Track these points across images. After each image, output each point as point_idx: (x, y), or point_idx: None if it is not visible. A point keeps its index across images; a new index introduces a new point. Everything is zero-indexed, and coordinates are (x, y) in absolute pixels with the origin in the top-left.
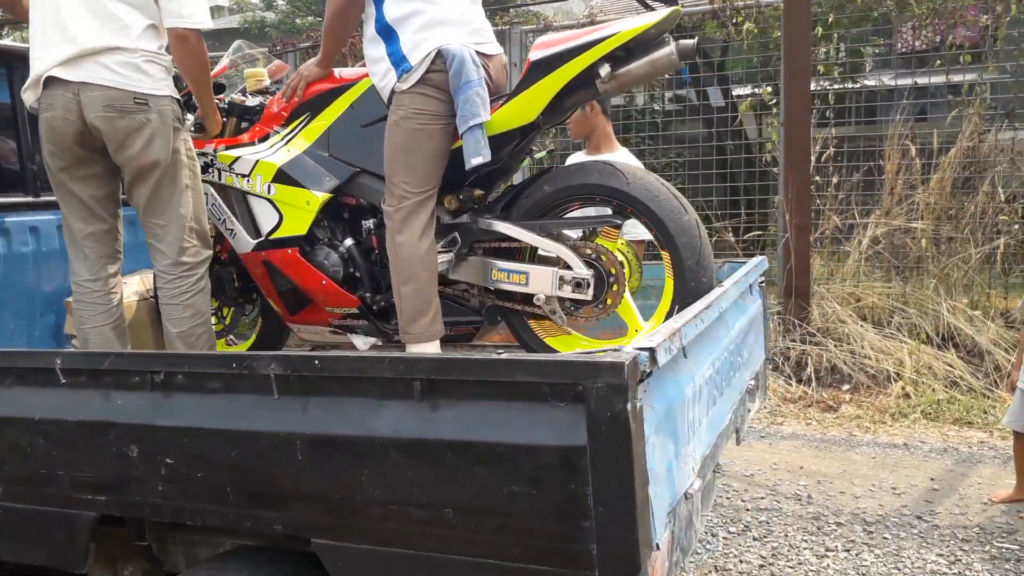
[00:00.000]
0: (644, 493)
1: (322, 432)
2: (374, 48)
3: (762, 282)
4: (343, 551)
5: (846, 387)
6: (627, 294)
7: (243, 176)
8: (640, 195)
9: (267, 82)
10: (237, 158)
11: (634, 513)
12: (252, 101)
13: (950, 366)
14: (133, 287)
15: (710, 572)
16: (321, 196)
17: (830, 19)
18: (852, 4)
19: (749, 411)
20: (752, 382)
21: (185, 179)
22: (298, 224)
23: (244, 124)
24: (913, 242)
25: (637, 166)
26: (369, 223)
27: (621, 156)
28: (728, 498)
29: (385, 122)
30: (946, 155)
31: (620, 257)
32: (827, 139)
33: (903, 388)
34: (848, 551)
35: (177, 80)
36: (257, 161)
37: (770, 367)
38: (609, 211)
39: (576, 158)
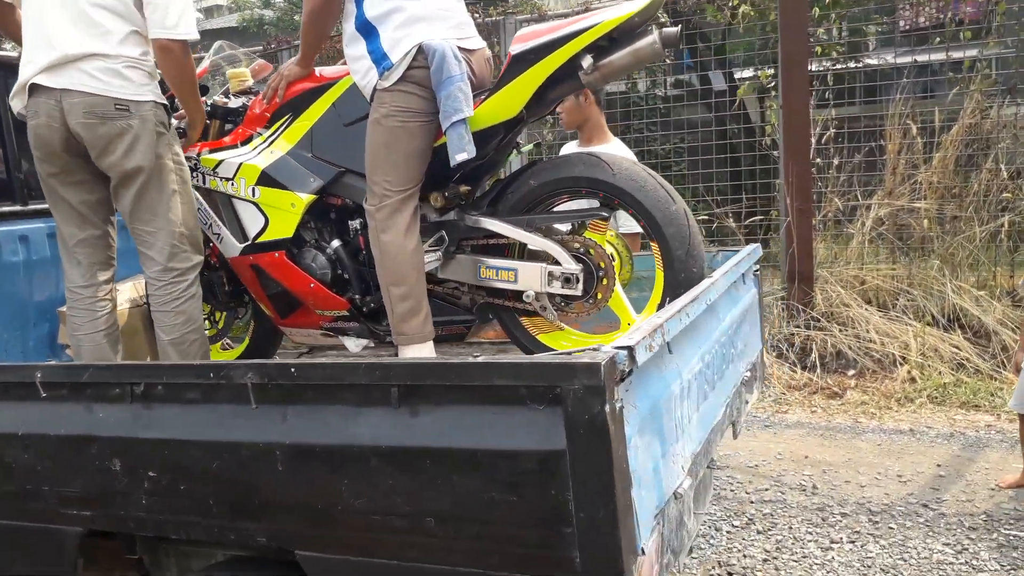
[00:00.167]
0: (627, 497)
1: (301, 441)
2: (354, 46)
3: (756, 270)
4: (327, 562)
5: (851, 372)
6: (618, 287)
7: (227, 179)
8: (626, 186)
9: (250, 82)
10: (220, 161)
11: (616, 518)
12: (235, 103)
13: (956, 348)
14: (126, 294)
15: (713, 568)
16: (305, 198)
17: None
18: None
19: (747, 403)
20: (748, 373)
21: (172, 184)
22: (284, 227)
23: (228, 126)
24: (917, 222)
25: (624, 156)
26: (356, 223)
27: (613, 147)
28: (732, 490)
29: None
30: (948, 133)
31: (610, 250)
32: (827, 120)
33: (909, 372)
34: (853, 542)
35: (163, 83)
36: (240, 164)
37: (774, 354)
38: (596, 203)
39: (569, 149)
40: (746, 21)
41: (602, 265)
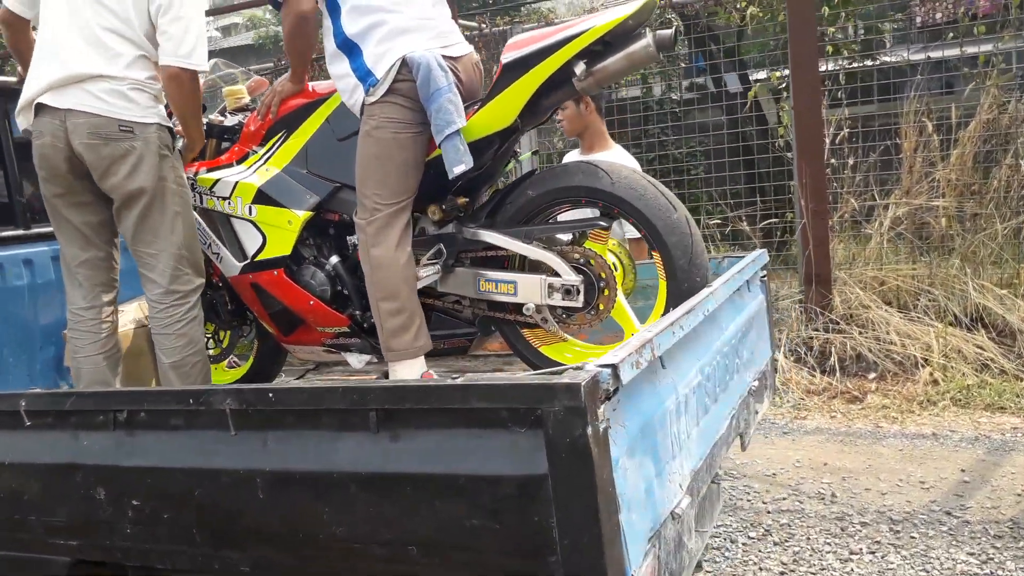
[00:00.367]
0: (613, 521)
1: (281, 468)
2: (338, 64)
3: (763, 276)
4: None
5: (872, 376)
6: (621, 297)
7: (224, 199)
8: (625, 195)
9: (247, 100)
10: (217, 180)
11: (601, 544)
12: (231, 121)
13: (980, 348)
14: (131, 315)
15: None
16: (302, 214)
17: None
18: None
19: (756, 413)
20: (756, 383)
21: (175, 206)
22: (282, 244)
23: (224, 144)
24: (936, 221)
25: (623, 164)
26: (354, 239)
27: (615, 153)
28: (749, 500)
29: None
30: (965, 129)
31: (612, 259)
32: (841, 120)
33: (931, 374)
34: (873, 553)
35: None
36: (237, 183)
37: (792, 359)
38: (596, 213)
39: (571, 157)
40: (754, 22)
41: (603, 275)
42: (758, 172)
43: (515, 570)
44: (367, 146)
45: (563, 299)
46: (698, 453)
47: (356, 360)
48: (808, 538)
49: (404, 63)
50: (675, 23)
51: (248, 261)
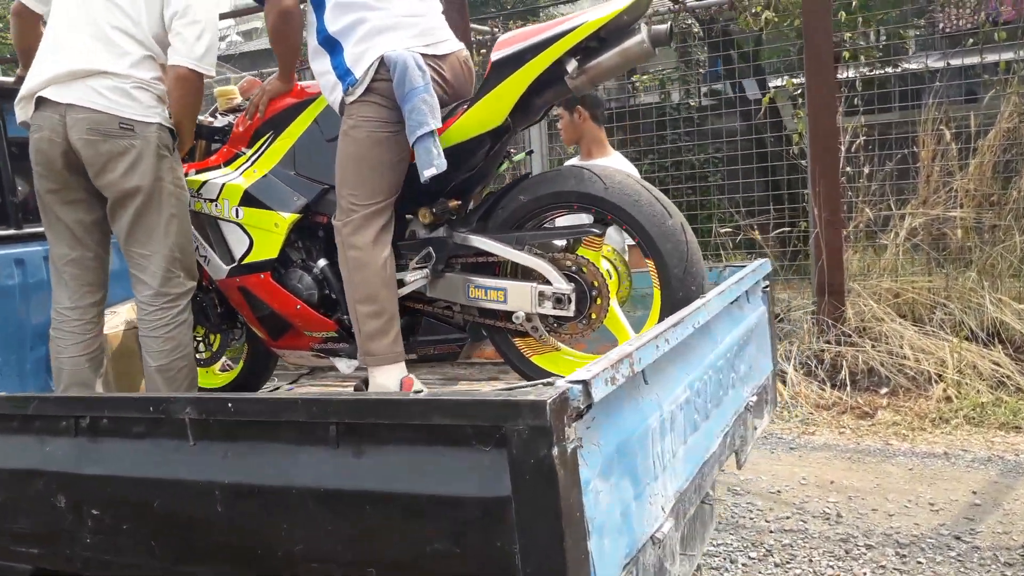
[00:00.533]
0: (581, 548)
1: (240, 482)
2: (319, 61)
3: (765, 287)
4: None
5: (884, 391)
6: (615, 306)
7: (211, 201)
8: (618, 200)
9: (238, 100)
10: (204, 182)
11: (565, 573)
12: (220, 122)
13: (996, 364)
14: (123, 316)
15: None
16: (288, 217)
17: (853, 3)
18: None
19: (755, 429)
20: (754, 398)
21: (171, 208)
22: (268, 247)
23: (214, 146)
24: (953, 232)
25: (617, 169)
26: None
27: (613, 160)
28: (751, 518)
29: None
30: (984, 138)
31: (606, 267)
32: (857, 128)
33: (945, 390)
34: None
35: None
36: (223, 184)
37: (802, 372)
38: (589, 219)
39: (572, 163)
40: (770, 27)
41: (595, 284)
42: (772, 180)
43: None
44: (344, 146)
45: (554, 308)
46: (685, 473)
47: (344, 365)
48: (810, 560)
49: (382, 62)
50: (694, 27)
51: (235, 264)
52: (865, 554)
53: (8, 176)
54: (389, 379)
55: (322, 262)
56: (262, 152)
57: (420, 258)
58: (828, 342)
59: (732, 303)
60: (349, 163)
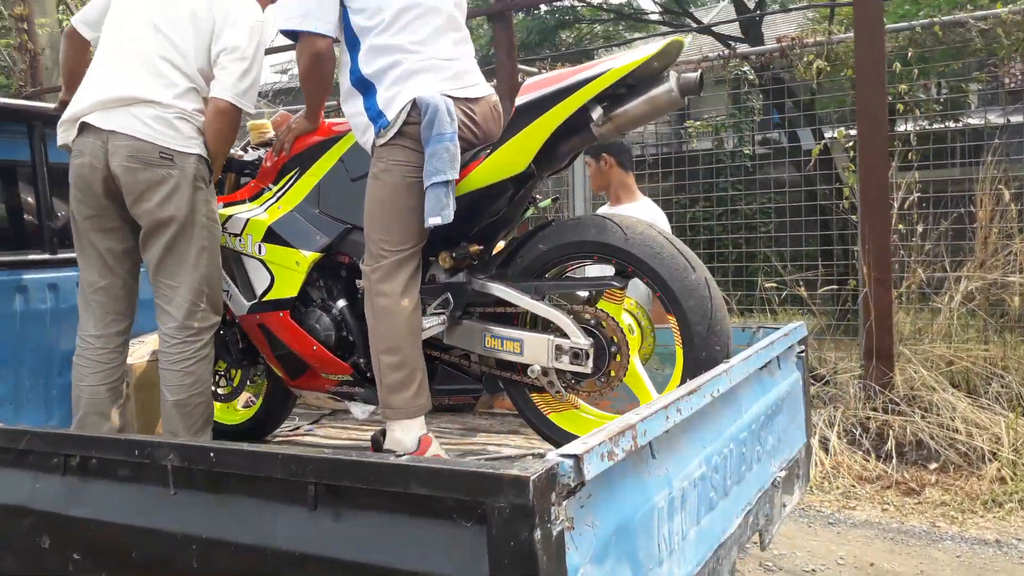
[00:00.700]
0: None
1: (218, 537)
2: (351, 103)
3: (801, 352)
4: None
5: (933, 466)
6: (637, 363)
7: (235, 235)
8: (640, 252)
9: (271, 134)
10: (230, 217)
11: None
12: (251, 155)
13: None
14: (150, 346)
15: None
16: (309, 256)
17: (909, 54)
18: (934, 38)
19: (783, 507)
20: (783, 473)
21: (202, 240)
22: (289, 286)
23: (244, 180)
24: (1012, 298)
25: (645, 217)
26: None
27: (642, 205)
28: None
29: None
30: None
31: (628, 321)
32: (912, 184)
33: (999, 470)
34: None
35: None
36: (248, 220)
37: (845, 440)
38: (612, 270)
39: (604, 211)
40: (820, 77)
41: (615, 339)
42: (823, 234)
43: None
44: (374, 189)
45: (571, 363)
46: (696, 557)
47: (359, 410)
48: None
49: (415, 105)
50: (748, 75)
51: (256, 300)
52: None
53: (46, 201)
54: (407, 435)
55: (341, 303)
56: (287, 189)
57: (438, 303)
58: (875, 409)
59: (761, 369)
60: (379, 207)
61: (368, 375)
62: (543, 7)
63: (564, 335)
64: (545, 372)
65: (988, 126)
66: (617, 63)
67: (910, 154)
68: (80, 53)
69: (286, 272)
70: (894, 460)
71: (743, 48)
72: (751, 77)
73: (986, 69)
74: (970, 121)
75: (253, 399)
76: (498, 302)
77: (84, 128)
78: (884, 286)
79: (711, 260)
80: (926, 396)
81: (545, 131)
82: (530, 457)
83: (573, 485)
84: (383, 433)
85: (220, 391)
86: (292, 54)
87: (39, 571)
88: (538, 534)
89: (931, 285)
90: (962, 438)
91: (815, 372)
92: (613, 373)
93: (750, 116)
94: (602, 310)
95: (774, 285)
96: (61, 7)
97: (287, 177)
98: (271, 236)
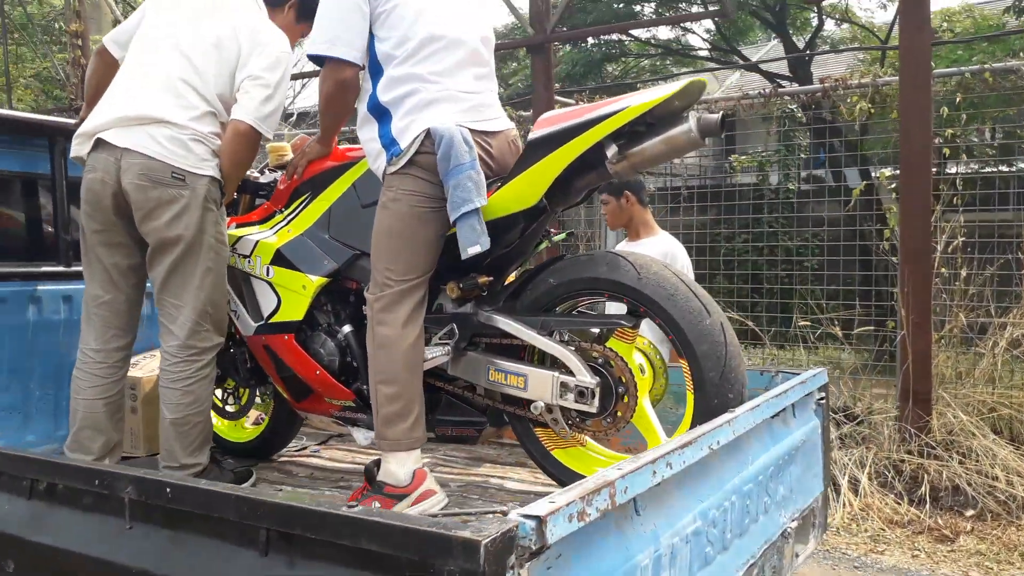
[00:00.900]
0: None
1: None
2: (366, 129)
3: (821, 399)
4: None
5: (969, 513)
6: (646, 404)
7: (245, 257)
8: (652, 293)
9: (289, 157)
10: (240, 238)
11: None
12: (266, 177)
13: None
14: (159, 361)
15: None
16: (316, 280)
17: (958, 99)
18: (984, 84)
19: (796, 557)
20: (795, 523)
21: (208, 261)
22: (295, 309)
23: (258, 201)
24: None
25: (654, 258)
26: None
27: (661, 239)
28: None
29: None
30: None
31: (640, 360)
32: (956, 228)
33: None
34: None
35: None
36: (258, 242)
37: (877, 482)
38: (624, 309)
39: (618, 247)
40: (862, 116)
41: (623, 380)
42: (861, 274)
43: None
44: (383, 218)
45: (576, 401)
46: None
47: (362, 436)
48: None
49: (428, 135)
50: (796, 112)
51: (263, 322)
52: None
53: (63, 215)
54: (401, 468)
55: (347, 329)
56: (298, 213)
57: (444, 333)
58: (910, 452)
59: (773, 417)
60: (386, 236)
61: (370, 401)
62: (591, 40)
63: (570, 372)
64: (549, 409)
65: None
66: (635, 100)
67: (955, 198)
68: (108, 71)
69: (293, 295)
70: (928, 505)
71: (788, 87)
72: (799, 115)
73: None
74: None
75: (263, 417)
76: (503, 335)
77: (99, 144)
78: (923, 330)
79: (749, 295)
80: (964, 441)
81: (558, 166)
82: (494, 514)
83: (535, 548)
84: (377, 464)
85: (229, 408)
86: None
87: None
88: None
89: (974, 330)
90: (1002, 486)
91: (849, 411)
92: (620, 414)
93: (796, 153)
94: (611, 349)
95: (808, 324)
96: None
97: (299, 201)
98: (279, 259)
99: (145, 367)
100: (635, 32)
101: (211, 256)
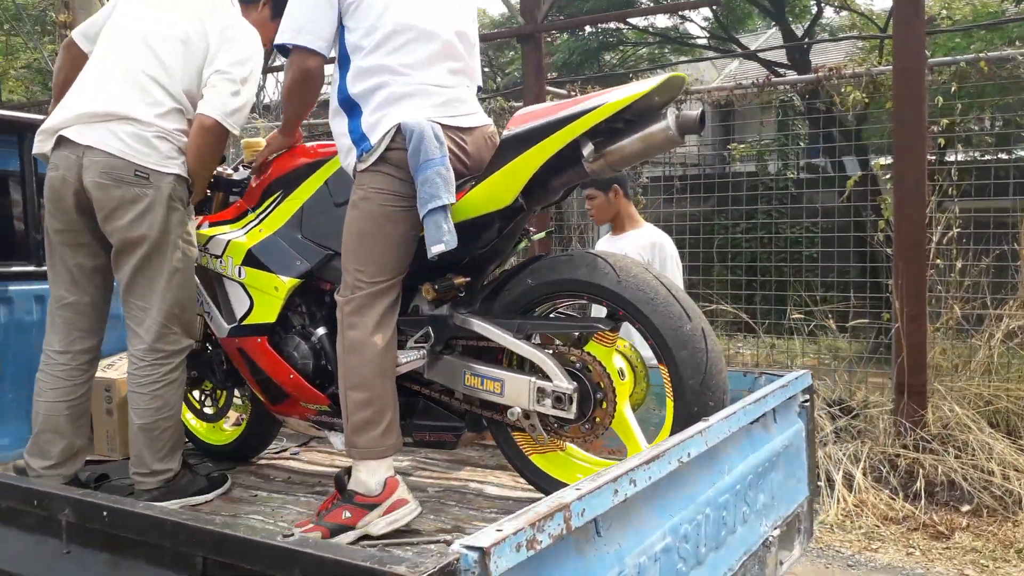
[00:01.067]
0: None
1: None
2: (337, 122)
3: (805, 401)
4: None
5: (965, 509)
6: (626, 409)
7: (216, 257)
8: (631, 296)
9: None
10: (211, 237)
11: None
12: (240, 174)
13: None
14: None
15: None
16: (287, 281)
17: (953, 88)
18: (980, 74)
19: (780, 564)
20: (778, 531)
21: (175, 262)
22: (267, 311)
23: (232, 199)
24: None
25: (635, 260)
26: None
27: (647, 232)
28: None
29: None
30: None
31: (620, 364)
32: (951, 218)
33: None
34: None
35: None
36: (229, 241)
37: (872, 477)
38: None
39: (604, 240)
40: (857, 109)
41: (601, 385)
42: (855, 266)
43: None
44: (353, 218)
45: (553, 407)
46: None
47: (339, 440)
48: None
49: (399, 131)
50: (799, 105)
51: (236, 324)
52: None
53: (34, 213)
54: (371, 477)
55: (321, 331)
56: (269, 212)
57: (420, 336)
58: (905, 447)
59: (752, 423)
60: (356, 237)
61: None
62: (588, 28)
63: (547, 377)
64: (527, 415)
65: None
66: (612, 97)
67: (951, 189)
68: (76, 65)
69: (265, 297)
70: (923, 501)
71: (784, 76)
72: (797, 104)
73: None
74: (1021, 154)
75: (243, 418)
76: (479, 338)
77: (61, 141)
78: (917, 322)
79: (745, 286)
80: (960, 435)
81: (532, 165)
82: (438, 543)
83: None
84: (348, 472)
85: (207, 411)
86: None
87: None
88: None
89: (969, 321)
90: (998, 480)
91: (844, 404)
92: (599, 420)
93: (795, 142)
94: (589, 353)
95: (802, 316)
96: None
97: (270, 199)
98: (251, 260)
99: (121, 368)
100: (633, 20)
101: (178, 256)
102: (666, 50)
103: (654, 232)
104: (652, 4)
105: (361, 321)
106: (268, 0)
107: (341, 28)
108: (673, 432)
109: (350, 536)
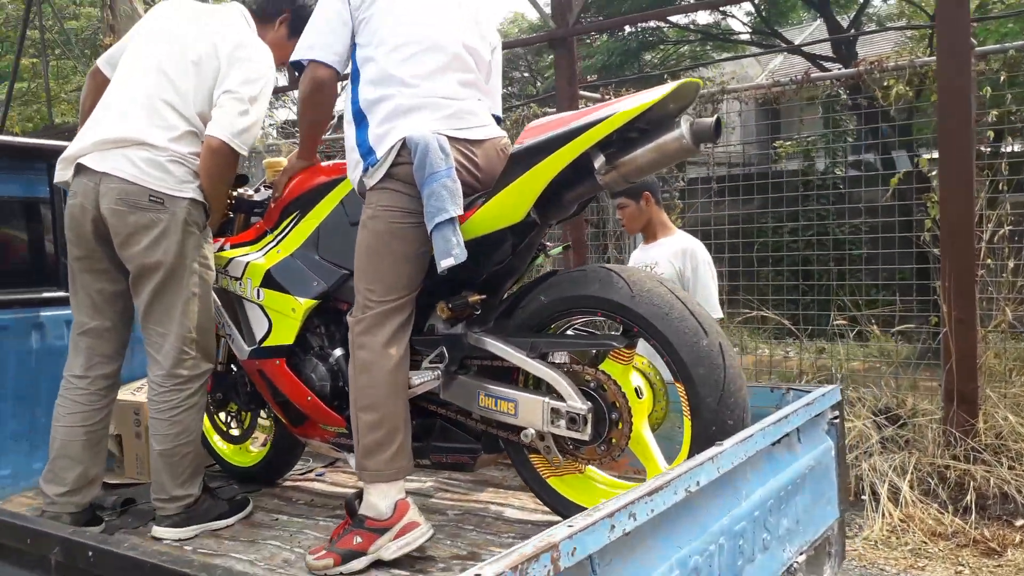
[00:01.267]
0: None
1: None
2: (348, 134)
3: (834, 418)
4: None
5: (1019, 523)
6: (645, 430)
7: (236, 279)
8: (646, 312)
9: None
10: (231, 260)
11: None
12: (261, 195)
13: None
14: None
15: None
16: (304, 302)
17: (1002, 78)
18: None
19: None
20: (803, 557)
21: (192, 287)
22: (285, 333)
23: (253, 220)
24: None
25: (649, 275)
26: None
27: (679, 239)
28: None
29: None
30: None
31: (637, 382)
32: (1003, 216)
33: None
34: None
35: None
36: (247, 263)
37: (920, 490)
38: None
39: (638, 250)
40: (900, 103)
41: (616, 405)
42: (901, 268)
43: None
44: (362, 237)
45: (568, 428)
46: None
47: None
48: None
49: (405, 145)
50: (844, 98)
51: (255, 346)
52: None
53: (63, 239)
54: (382, 501)
55: (338, 352)
56: (287, 232)
57: (434, 356)
58: (955, 457)
59: (774, 444)
60: (365, 256)
61: None
62: (628, 28)
63: (561, 398)
64: (541, 436)
65: None
66: (623, 106)
67: (1002, 184)
68: (101, 92)
69: (283, 319)
70: (973, 515)
71: (825, 71)
72: (844, 98)
73: None
74: None
75: (269, 439)
76: (493, 357)
77: (80, 169)
78: (967, 327)
79: (786, 292)
80: (1014, 444)
81: (543, 180)
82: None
83: None
84: (359, 496)
85: (233, 432)
86: None
87: None
88: None
89: (1023, 324)
90: None
91: (891, 413)
92: (615, 441)
93: (843, 139)
94: (604, 372)
95: (845, 322)
96: None
97: (288, 220)
98: (269, 281)
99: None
100: (673, 18)
101: (194, 281)
102: (708, 47)
103: (685, 238)
104: (692, 1)
105: (372, 341)
106: (285, 20)
107: (354, 47)
108: (691, 453)
109: (362, 562)
